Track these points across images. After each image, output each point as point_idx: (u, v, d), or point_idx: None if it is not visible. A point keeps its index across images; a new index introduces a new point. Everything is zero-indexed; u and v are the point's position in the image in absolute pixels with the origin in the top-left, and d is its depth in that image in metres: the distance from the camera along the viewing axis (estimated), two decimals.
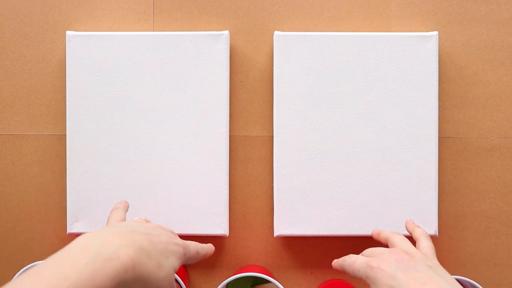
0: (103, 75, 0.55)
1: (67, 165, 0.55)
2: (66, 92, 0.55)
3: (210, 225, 0.55)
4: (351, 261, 0.40)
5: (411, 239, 0.44)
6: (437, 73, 0.54)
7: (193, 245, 0.42)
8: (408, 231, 0.47)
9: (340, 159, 0.54)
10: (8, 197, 0.58)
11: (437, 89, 0.54)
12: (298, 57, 0.55)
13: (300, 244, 0.58)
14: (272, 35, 0.57)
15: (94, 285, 0.30)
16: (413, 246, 0.41)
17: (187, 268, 0.58)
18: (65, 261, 0.31)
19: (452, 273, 0.57)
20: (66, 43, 0.55)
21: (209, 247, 0.44)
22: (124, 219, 0.43)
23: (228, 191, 0.55)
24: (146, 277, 0.34)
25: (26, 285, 0.29)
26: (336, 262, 0.43)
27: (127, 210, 0.45)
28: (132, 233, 0.36)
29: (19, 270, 0.51)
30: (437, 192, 0.54)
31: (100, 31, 0.58)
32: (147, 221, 0.43)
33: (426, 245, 0.42)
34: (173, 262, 0.38)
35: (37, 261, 0.52)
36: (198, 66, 0.55)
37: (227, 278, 0.50)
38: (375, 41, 0.54)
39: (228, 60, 0.55)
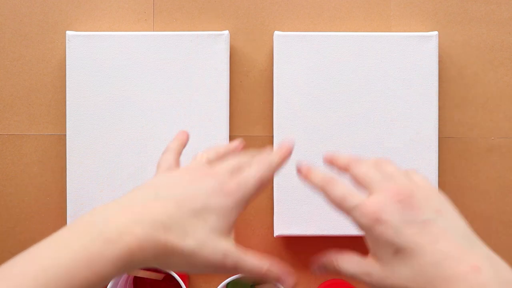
0: (103, 75, 0.55)
1: (67, 165, 0.55)
2: (66, 92, 0.55)
3: None
4: (341, 195, 0.31)
5: None
6: (437, 73, 0.54)
7: (252, 176, 0.32)
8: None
9: None
10: (8, 197, 0.58)
11: (437, 89, 0.54)
12: (298, 57, 0.55)
13: (300, 244, 0.58)
14: (272, 35, 0.57)
15: (90, 272, 0.26)
16: (411, 178, 0.33)
17: None
18: (63, 241, 0.27)
19: None
20: (66, 43, 0.55)
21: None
22: (177, 165, 0.35)
23: None
24: (164, 255, 0.28)
25: (18, 266, 0.26)
26: (317, 179, 0.33)
27: (183, 147, 0.38)
28: (151, 201, 0.29)
29: None
30: None
31: (100, 31, 0.58)
32: (210, 161, 0.34)
33: (421, 178, 0.33)
34: (215, 224, 0.29)
35: None
36: (198, 66, 0.55)
37: (227, 278, 0.50)
38: (375, 41, 0.54)
39: (228, 60, 0.55)
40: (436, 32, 0.55)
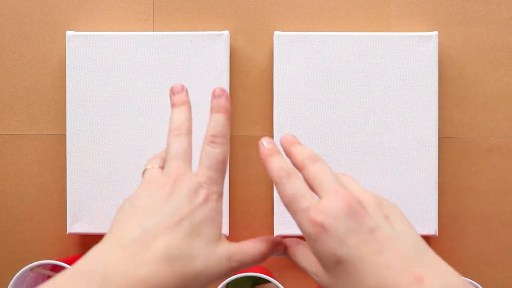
0: (103, 75, 0.55)
1: (67, 165, 0.55)
2: (66, 92, 0.55)
3: None
4: (292, 193, 0.29)
5: None
6: (437, 73, 0.54)
7: (218, 177, 0.31)
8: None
9: (340, 159, 0.54)
10: (8, 197, 0.58)
11: (437, 89, 0.54)
12: (298, 57, 0.55)
13: None
14: (272, 35, 0.57)
15: None
16: (359, 185, 0.31)
17: None
18: None
19: None
20: (66, 43, 0.55)
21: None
22: (191, 150, 0.33)
23: (228, 191, 0.55)
24: (177, 286, 0.26)
25: None
26: (275, 168, 0.31)
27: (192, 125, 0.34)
28: (143, 236, 0.27)
29: (19, 270, 0.51)
30: (437, 192, 0.54)
31: (100, 31, 0.58)
32: (161, 167, 0.32)
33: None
34: (208, 234, 0.28)
35: (37, 261, 0.52)
36: (198, 66, 0.55)
37: (227, 278, 0.50)
38: (375, 41, 0.54)
39: (228, 60, 0.55)
40: (436, 32, 0.55)
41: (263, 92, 0.58)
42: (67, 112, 0.55)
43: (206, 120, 0.55)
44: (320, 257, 0.28)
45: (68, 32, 0.55)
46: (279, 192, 0.30)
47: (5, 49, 0.58)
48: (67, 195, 0.55)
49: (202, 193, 0.29)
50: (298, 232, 0.55)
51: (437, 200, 0.54)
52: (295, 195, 0.29)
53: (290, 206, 0.30)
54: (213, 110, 0.34)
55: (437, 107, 0.54)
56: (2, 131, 0.58)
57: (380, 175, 0.54)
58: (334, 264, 0.27)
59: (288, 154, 0.32)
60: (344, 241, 0.26)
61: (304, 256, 0.30)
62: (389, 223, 0.28)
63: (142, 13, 0.58)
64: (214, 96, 0.34)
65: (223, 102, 0.33)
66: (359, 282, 0.26)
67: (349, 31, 0.57)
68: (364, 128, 0.55)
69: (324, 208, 0.28)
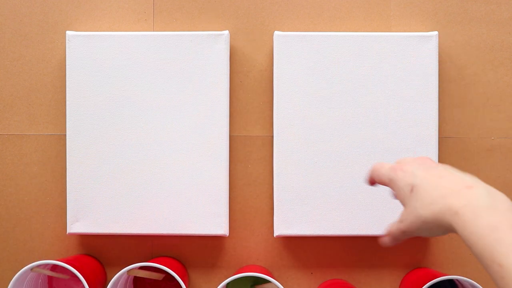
0: (103, 75, 0.55)
1: (67, 165, 0.55)
2: (66, 92, 0.55)
3: (210, 225, 0.55)
4: (378, 167, 0.40)
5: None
6: (437, 73, 0.54)
7: None
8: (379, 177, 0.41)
9: (340, 159, 0.54)
10: (8, 197, 0.58)
11: (437, 89, 0.54)
12: (298, 57, 0.55)
13: (300, 244, 0.58)
14: (272, 35, 0.57)
15: None
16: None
17: (187, 268, 0.58)
18: None
19: (452, 273, 0.57)
20: (66, 43, 0.55)
21: None
22: None
23: (228, 191, 0.55)
24: None
25: None
26: (367, 175, 0.42)
27: None
28: None
29: (19, 270, 0.51)
30: None
31: (100, 31, 0.58)
32: None
33: None
34: None
35: (37, 261, 0.52)
36: (198, 66, 0.55)
37: (227, 278, 0.50)
38: (375, 41, 0.54)
39: (228, 60, 0.55)
40: (436, 32, 0.55)
41: (263, 92, 0.58)
42: (67, 112, 0.55)
43: (204, 120, 0.55)
44: (399, 190, 0.37)
45: (68, 32, 0.55)
46: (373, 173, 0.40)
47: (5, 49, 0.58)
48: (67, 195, 0.55)
49: None
50: (297, 232, 0.55)
51: None
52: (380, 165, 0.40)
53: (377, 171, 0.40)
54: None
55: (437, 107, 0.54)
56: (2, 131, 0.58)
57: None
58: (409, 192, 0.35)
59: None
60: (415, 175, 0.36)
61: (392, 227, 0.38)
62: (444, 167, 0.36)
63: (142, 13, 0.58)
64: None
65: None
66: (427, 199, 0.34)
67: (349, 31, 0.57)
68: (364, 128, 0.55)
69: (404, 163, 0.38)
